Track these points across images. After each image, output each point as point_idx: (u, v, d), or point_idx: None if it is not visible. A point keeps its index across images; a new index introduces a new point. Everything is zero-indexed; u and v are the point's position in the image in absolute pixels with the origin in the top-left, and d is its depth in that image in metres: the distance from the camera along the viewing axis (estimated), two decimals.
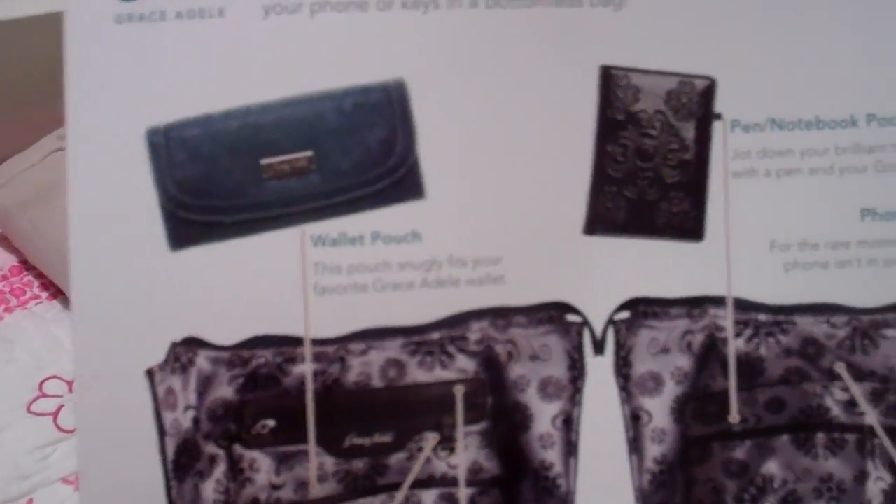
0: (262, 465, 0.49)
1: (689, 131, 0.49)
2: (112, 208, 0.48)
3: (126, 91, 0.48)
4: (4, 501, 0.87)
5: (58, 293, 1.14)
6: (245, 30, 0.48)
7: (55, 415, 0.95)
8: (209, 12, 0.48)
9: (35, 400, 0.97)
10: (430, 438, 0.49)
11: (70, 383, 0.99)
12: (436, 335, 0.49)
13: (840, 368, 0.50)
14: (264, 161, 0.48)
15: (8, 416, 0.95)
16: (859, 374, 0.50)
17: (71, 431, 0.93)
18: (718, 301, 0.50)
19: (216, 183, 0.48)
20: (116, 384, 0.48)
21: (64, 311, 1.11)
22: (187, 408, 0.49)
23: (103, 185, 0.48)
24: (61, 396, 0.97)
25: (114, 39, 0.48)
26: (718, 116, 0.49)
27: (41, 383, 0.99)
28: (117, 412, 0.48)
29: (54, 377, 1.00)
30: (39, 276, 1.17)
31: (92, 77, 0.48)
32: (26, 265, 1.19)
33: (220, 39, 0.48)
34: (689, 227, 0.50)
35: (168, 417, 0.49)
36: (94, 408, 0.48)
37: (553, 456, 0.50)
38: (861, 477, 0.51)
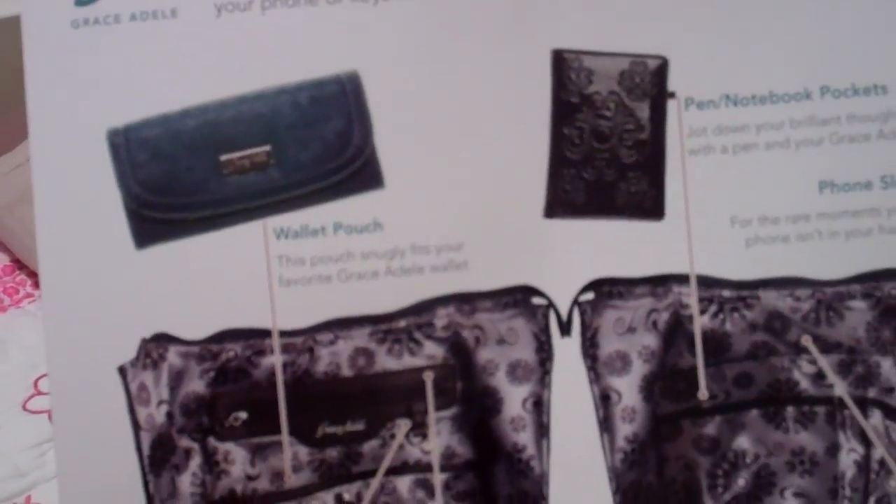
0: (236, 456, 0.49)
1: (643, 111, 0.50)
2: (77, 209, 0.49)
3: (85, 94, 0.49)
4: (3, 499, 0.88)
5: None
6: (198, 29, 0.48)
7: (50, 412, 0.95)
8: (162, 13, 0.48)
9: (31, 398, 0.97)
10: (403, 425, 0.50)
11: None
12: (402, 323, 0.50)
13: (807, 341, 0.51)
14: (224, 157, 0.49)
15: (4, 414, 0.95)
16: (826, 347, 0.51)
17: None
18: (682, 279, 0.50)
19: (178, 181, 0.49)
20: (89, 382, 0.49)
21: None
22: (160, 402, 0.49)
23: (67, 186, 0.49)
24: None
25: (70, 44, 0.49)
26: (672, 95, 0.50)
27: (36, 381, 1.00)
28: (92, 409, 0.49)
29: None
30: (32, 274, 1.18)
31: (51, 81, 0.49)
32: (19, 264, 1.20)
33: (175, 39, 0.48)
34: (649, 206, 0.50)
35: (142, 413, 0.49)
36: (69, 406, 0.49)
37: (525, 438, 0.50)
38: (833, 449, 0.51)
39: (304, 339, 0.49)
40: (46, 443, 0.92)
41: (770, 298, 0.50)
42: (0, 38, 1.27)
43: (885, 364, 0.50)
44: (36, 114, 0.49)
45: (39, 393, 0.98)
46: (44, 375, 1.00)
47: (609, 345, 0.51)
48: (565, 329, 0.50)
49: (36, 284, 1.16)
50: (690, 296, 0.50)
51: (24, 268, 1.19)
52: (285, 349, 0.49)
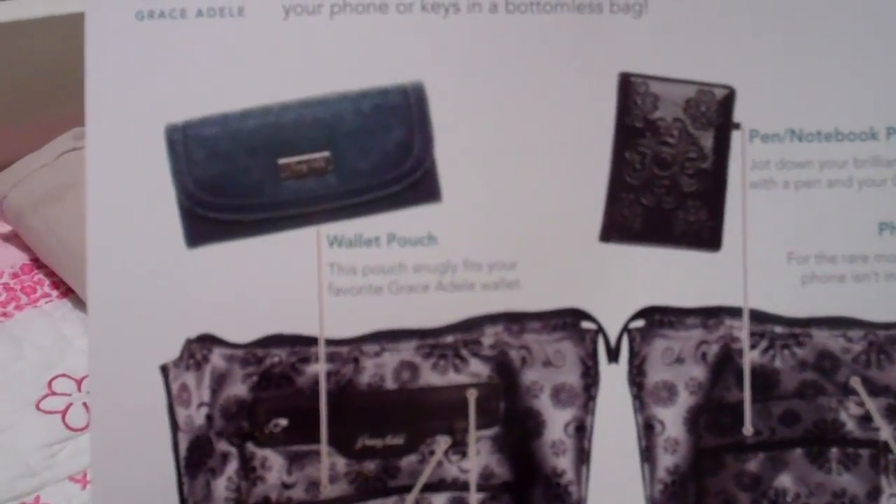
0: (273, 463, 0.49)
1: (707, 140, 0.49)
2: (130, 205, 0.48)
3: (145, 88, 0.48)
4: (12, 498, 0.87)
5: (68, 292, 1.14)
6: (265, 29, 0.48)
7: (64, 413, 0.95)
8: (230, 11, 0.48)
9: (44, 398, 0.97)
10: (442, 442, 0.49)
11: (79, 382, 0.99)
12: (450, 338, 0.49)
13: (855, 383, 0.50)
14: (282, 161, 0.48)
15: (17, 413, 0.95)
16: (874, 389, 0.50)
17: (79, 430, 0.94)
18: (734, 312, 0.50)
19: (234, 181, 0.48)
20: (131, 379, 0.48)
21: (74, 309, 1.12)
22: (201, 405, 0.49)
23: (122, 181, 0.48)
24: (70, 395, 0.98)
25: (134, 36, 0.48)
26: (737, 126, 0.49)
27: (50, 381, 0.99)
28: (131, 407, 0.49)
29: (63, 375, 1.00)
30: (50, 274, 1.17)
31: (111, 73, 0.48)
32: (37, 263, 1.20)
33: (240, 38, 0.48)
34: (706, 236, 0.50)
35: (181, 414, 0.49)
36: (108, 402, 0.49)
37: (565, 463, 0.50)
38: (875, 493, 0.50)
39: (349, 349, 0.49)
40: (58, 444, 0.92)
41: (822, 337, 0.50)
42: (30, 40, 1.27)
43: None
44: (94, 105, 0.48)
45: (53, 393, 0.98)
46: (58, 376, 1.00)
47: (656, 374, 0.50)
48: (613, 355, 0.50)
49: (54, 284, 1.16)
50: (742, 330, 0.50)
51: (43, 267, 1.19)
52: (330, 358, 0.49)
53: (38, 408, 0.96)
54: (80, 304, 1.12)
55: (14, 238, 1.25)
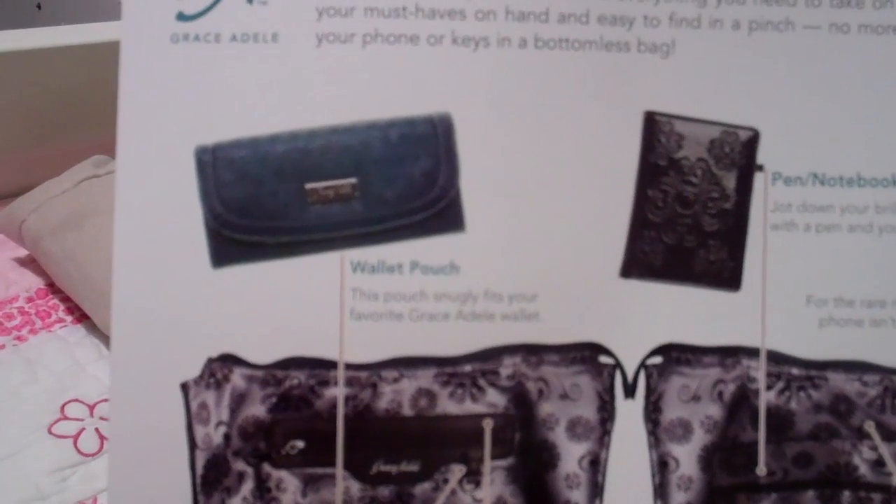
0: (289, 485, 0.49)
1: (730, 181, 0.50)
2: (157, 223, 0.49)
3: (177, 109, 0.49)
4: None
5: (83, 317, 1.15)
6: (297, 57, 0.49)
7: (76, 438, 0.96)
8: (263, 37, 0.49)
9: (56, 422, 0.98)
10: (457, 471, 0.49)
11: (92, 407, 1.00)
12: (468, 368, 0.49)
13: (870, 427, 0.50)
14: (309, 185, 0.49)
15: (29, 436, 0.96)
16: (889, 434, 0.50)
17: (90, 455, 0.94)
18: (752, 352, 0.50)
19: (260, 204, 0.49)
20: (151, 396, 0.49)
21: (88, 335, 1.12)
22: (219, 423, 0.49)
23: (150, 200, 0.49)
24: (82, 420, 0.98)
25: (168, 58, 0.49)
26: (760, 168, 0.50)
27: (63, 406, 1.00)
28: (150, 424, 0.49)
29: (76, 400, 1.01)
30: (65, 299, 1.18)
31: (145, 93, 0.49)
32: (53, 288, 1.21)
33: (273, 65, 0.49)
34: (726, 276, 0.50)
35: (200, 432, 0.49)
36: (128, 418, 0.49)
37: (578, 496, 0.50)
38: None
39: (368, 375, 0.49)
40: (69, 468, 0.92)
41: (838, 381, 0.50)
42: (52, 68, 1.29)
43: None
44: (126, 124, 0.49)
45: (66, 418, 0.98)
46: (71, 401, 1.00)
47: (672, 411, 0.50)
48: (630, 391, 0.50)
49: (69, 310, 1.17)
50: (759, 370, 0.50)
51: (58, 292, 1.20)
52: (349, 382, 0.49)
53: (50, 432, 0.97)
54: (94, 329, 1.12)
55: (30, 262, 1.26)
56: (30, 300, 1.20)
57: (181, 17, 0.49)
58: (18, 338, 1.12)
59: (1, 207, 1.27)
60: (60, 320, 1.16)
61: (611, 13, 0.49)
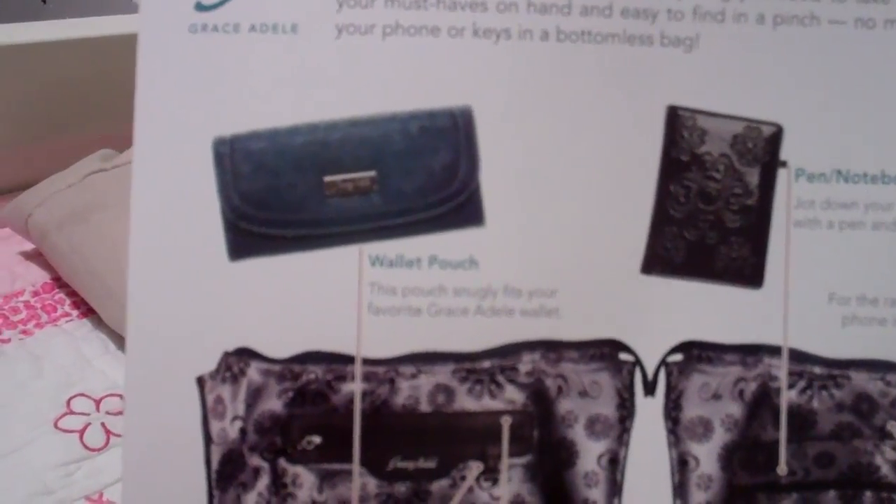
0: (305, 480, 0.48)
1: (753, 177, 0.49)
2: (174, 215, 0.48)
3: (195, 100, 0.48)
4: None
5: (89, 312, 1.14)
6: (317, 48, 0.48)
7: (81, 433, 0.95)
8: (283, 28, 0.48)
9: (62, 416, 0.97)
10: (474, 467, 0.49)
11: (98, 401, 0.99)
12: (486, 364, 0.49)
13: (893, 427, 0.50)
14: (328, 178, 0.48)
15: (35, 430, 0.95)
16: None
17: (96, 450, 0.93)
18: (774, 350, 0.50)
19: (279, 197, 0.48)
20: (167, 389, 0.48)
21: (94, 329, 1.12)
22: (235, 418, 0.49)
23: (167, 191, 0.48)
24: (88, 414, 0.98)
25: (186, 49, 0.48)
26: (784, 164, 0.49)
27: (69, 400, 1.00)
28: (165, 418, 0.48)
29: (82, 395, 1.00)
30: (71, 293, 1.18)
31: (162, 84, 0.49)
32: (59, 282, 1.20)
33: (292, 56, 0.48)
34: (748, 273, 0.49)
35: (215, 426, 0.48)
36: (143, 412, 0.48)
37: (597, 495, 0.50)
38: None
39: (386, 370, 0.49)
40: (74, 463, 0.92)
41: (860, 380, 0.50)
42: (59, 61, 1.28)
43: None
44: (143, 115, 0.49)
45: (72, 412, 0.98)
46: (77, 395, 1.00)
47: (692, 409, 0.50)
48: (650, 388, 0.50)
49: (75, 304, 1.16)
50: (781, 369, 0.49)
51: (64, 286, 1.19)
52: (367, 377, 0.48)
53: (56, 426, 0.96)
54: (100, 324, 1.12)
55: (36, 256, 1.26)
56: (36, 294, 1.19)
57: (200, 6, 0.49)
58: (24, 332, 1.12)
59: (7, 201, 1.26)
60: (66, 314, 1.15)
61: (634, 7, 0.48)
